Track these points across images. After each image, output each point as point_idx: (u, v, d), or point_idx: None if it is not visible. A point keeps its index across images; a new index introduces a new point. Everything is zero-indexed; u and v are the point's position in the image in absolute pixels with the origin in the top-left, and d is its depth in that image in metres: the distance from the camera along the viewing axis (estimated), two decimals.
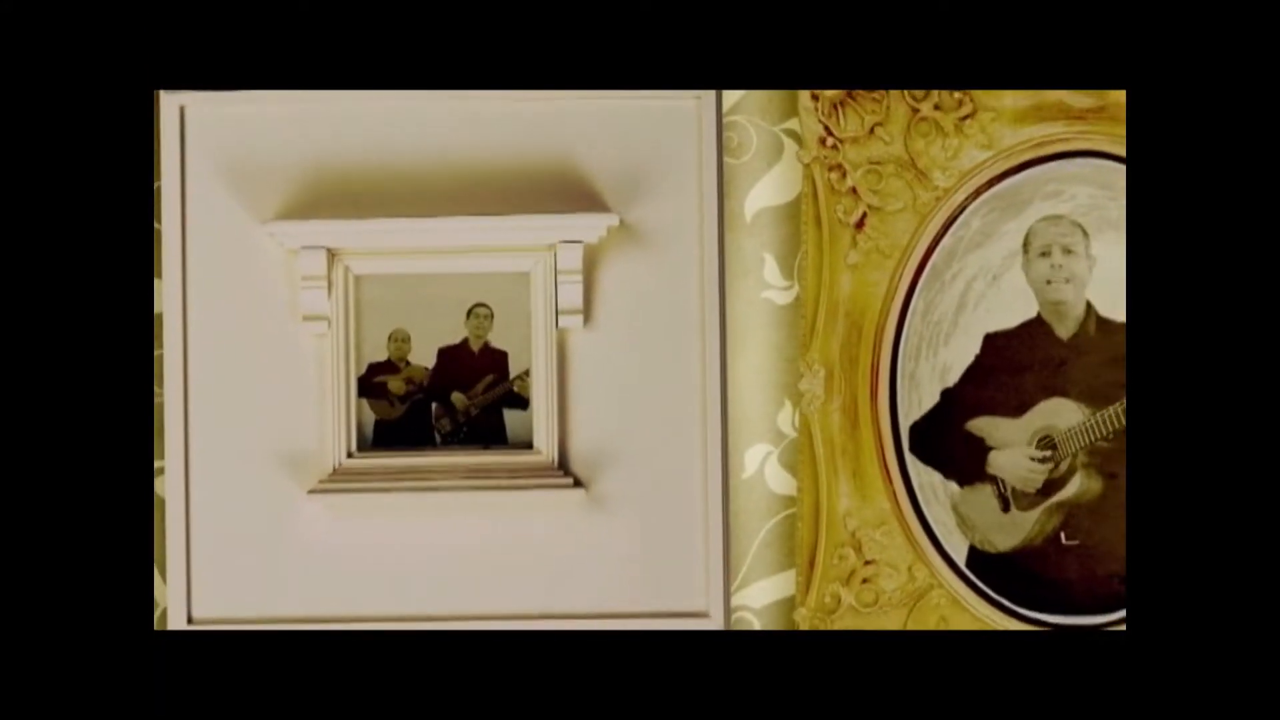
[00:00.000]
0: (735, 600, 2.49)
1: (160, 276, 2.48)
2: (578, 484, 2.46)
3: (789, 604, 2.44)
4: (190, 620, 2.43)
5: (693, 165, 2.48)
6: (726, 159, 2.49)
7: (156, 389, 2.45)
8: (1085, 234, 2.39)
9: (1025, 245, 2.41)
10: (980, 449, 2.40)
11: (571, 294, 2.42)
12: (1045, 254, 2.40)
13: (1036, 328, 2.41)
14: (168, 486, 2.43)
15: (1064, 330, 2.39)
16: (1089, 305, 2.40)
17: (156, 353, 2.45)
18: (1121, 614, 2.41)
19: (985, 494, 2.41)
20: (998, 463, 2.41)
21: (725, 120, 2.49)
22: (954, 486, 2.43)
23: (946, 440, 2.41)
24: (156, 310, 2.47)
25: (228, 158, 2.47)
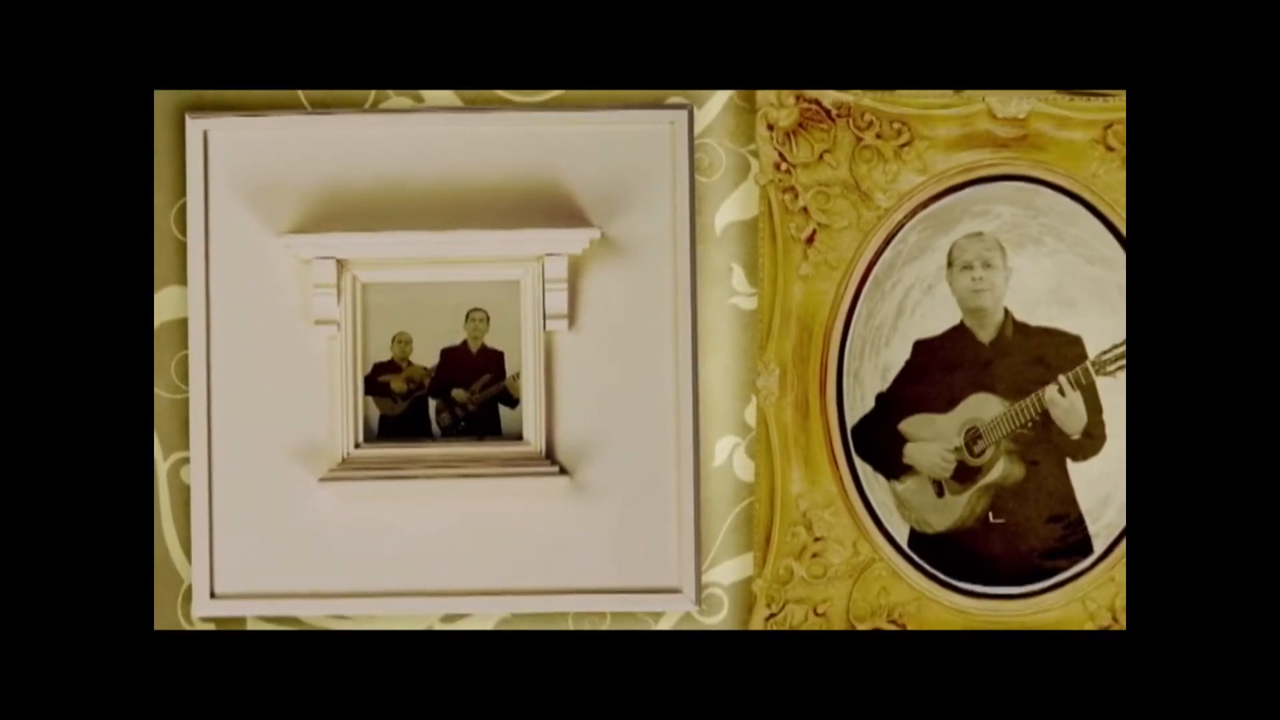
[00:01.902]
0: (706, 578, 2.53)
1: (186, 285, 2.49)
2: (563, 472, 2.50)
3: None
4: (213, 595, 2.48)
5: (667, 183, 2.52)
6: (698, 178, 2.53)
7: (182, 385, 2.50)
8: (1002, 250, 2.48)
9: (950, 260, 2.50)
10: (901, 447, 2.51)
11: (558, 301, 2.48)
12: (968, 268, 2.49)
13: (960, 333, 2.50)
14: (193, 475, 2.49)
15: (985, 335, 2.50)
16: (1006, 312, 2.49)
17: (181, 353, 2.50)
18: (1042, 584, 2.48)
19: (921, 480, 2.51)
20: (914, 456, 2.51)
21: (696, 142, 2.52)
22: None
23: (883, 440, 2.51)
24: (182, 315, 2.50)
25: (247, 177, 2.51)
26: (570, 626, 2.53)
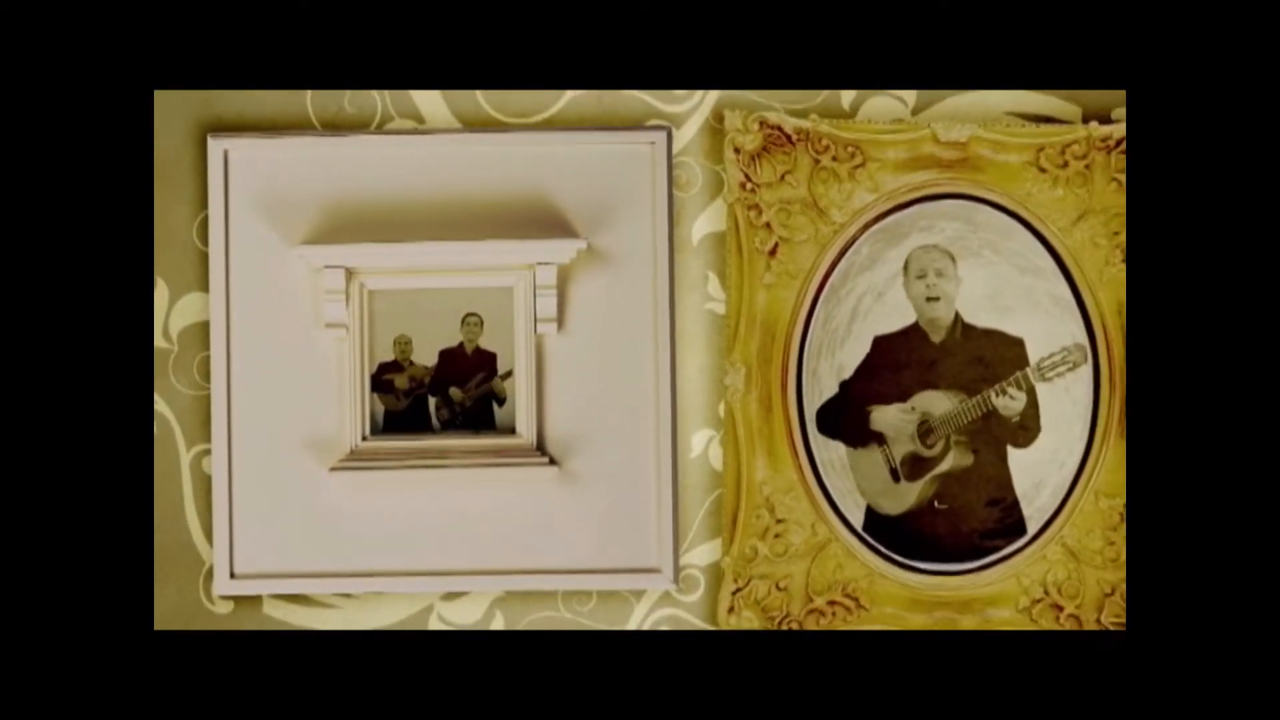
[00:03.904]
0: (683, 559, 2.59)
1: (208, 291, 2.56)
2: (552, 463, 2.57)
3: None
4: (233, 575, 2.53)
5: (648, 198, 2.57)
6: (676, 193, 2.58)
7: (203, 383, 2.56)
8: (953, 259, 2.56)
9: (905, 268, 2.57)
10: (866, 417, 2.60)
11: (548, 305, 2.54)
12: (922, 276, 2.57)
13: (915, 333, 2.59)
14: (214, 465, 2.55)
15: (936, 337, 2.59)
16: (957, 315, 2.58)
17: (203, 354, 2.55)
18: (980, 561, 2.56)
19: (876, 462, 2.59)
20: (880, 423, 2.58)
21: (675, 160, 2.58)
22: (850, 459, 2.58)
23: (848, 416, 2.59)
24: (204, 319, 2.56)
25: (263, 192, 2.57)
26: (559, 604, 2.59)
